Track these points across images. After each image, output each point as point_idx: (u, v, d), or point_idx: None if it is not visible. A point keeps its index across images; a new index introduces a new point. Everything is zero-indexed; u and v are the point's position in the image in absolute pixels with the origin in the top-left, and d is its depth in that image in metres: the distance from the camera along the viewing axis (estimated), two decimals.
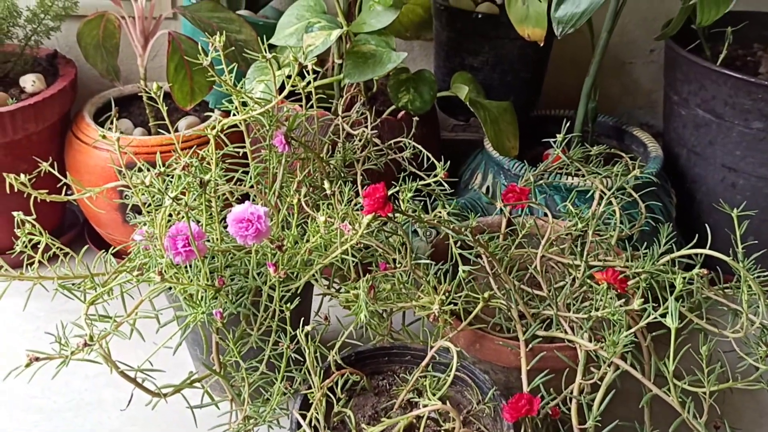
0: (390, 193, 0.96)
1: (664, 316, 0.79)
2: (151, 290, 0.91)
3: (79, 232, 1.38)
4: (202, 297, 0.87)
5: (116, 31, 1.21)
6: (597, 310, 0.86)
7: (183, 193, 0.93)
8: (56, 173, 0.95)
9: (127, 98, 1.35)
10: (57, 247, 0.90)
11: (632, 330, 0.81)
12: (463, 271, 0.82)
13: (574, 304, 0.93)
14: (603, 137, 1.38)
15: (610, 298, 0.88)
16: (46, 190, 0.94)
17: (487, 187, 1.25)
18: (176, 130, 1.28)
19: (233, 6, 1.29)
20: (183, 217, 0.87)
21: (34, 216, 0.91)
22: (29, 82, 1.21)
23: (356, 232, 0.83)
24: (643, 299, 0.81)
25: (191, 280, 0.87)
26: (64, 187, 0.96)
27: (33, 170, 0.95)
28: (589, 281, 0.96)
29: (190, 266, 0.88)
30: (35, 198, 0.91)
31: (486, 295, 0.83)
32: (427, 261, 0.89)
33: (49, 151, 1.23)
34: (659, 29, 1.47)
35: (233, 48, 1.13)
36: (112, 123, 1.25)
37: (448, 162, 1.05)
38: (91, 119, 1.24)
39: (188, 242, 0.83)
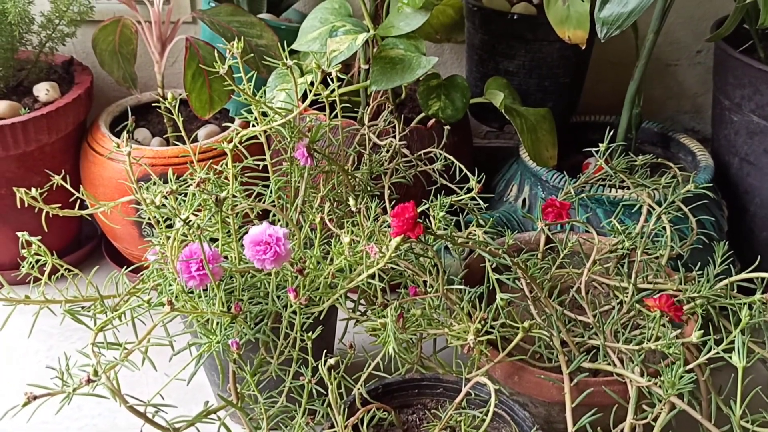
0: (420, 209, 0.89)
1: (727, 350, 0.71)
2: (164, 314, 0.85)
3: (96, 245, 1.33)
4: (217, 324, 0.80)
5: (133, 36, 1.15)
6: (649, 340, 0.78)
7: (199, 210, 0.87)
8: (69, 187, 0.90)
9: (144, 106, 1.29)
10: (65, 269, 0.85)
11: (692, 365, 0.73)
12: (502, 299, 0.75)
13: (622, 332, 0.85)
14: (647, 144, 1.30)
15: (663, 326, 0.80)
16: (59, 205, 0.90)
17: (524, 200, 1.17)
18: (195, 140, 1.22)
19: (254, 9, 1.23)
20: (197, 238, 0.81)
21: (46, 232, 0.86)
22: (43, 90, 1.17)
23: (383, 256, 0.76)
24: (701, 331, 0.73)
25: (206, 307, 0.81)
26: (78, 201, 0.92)
27: (46, 183, 0.90)
28: (638, 306, 0.88)
29: (206, 291, 0.81)
30: (47, 212, 0.87)
31: (526, 325, 0.76)
32: (461, 286, 0.81)
33: (64, 163, 1.18)
34: (706, 29, 1.38)
35: (253, 54, 1.06)
36: (129, 133, 1.20)
37: (483, 175, 0.98)
38: (107, 129, 1.19)
39: (203, 266, 0.76)
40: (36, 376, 1.09)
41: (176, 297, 0.79)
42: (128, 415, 1.07)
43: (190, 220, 0.78)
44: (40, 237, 0.84)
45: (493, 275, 0.78)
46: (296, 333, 0.80)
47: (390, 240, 0.75)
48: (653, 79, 1.44)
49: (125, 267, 0.91)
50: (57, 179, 0.91)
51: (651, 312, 0.79)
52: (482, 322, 0.78)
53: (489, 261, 0.79)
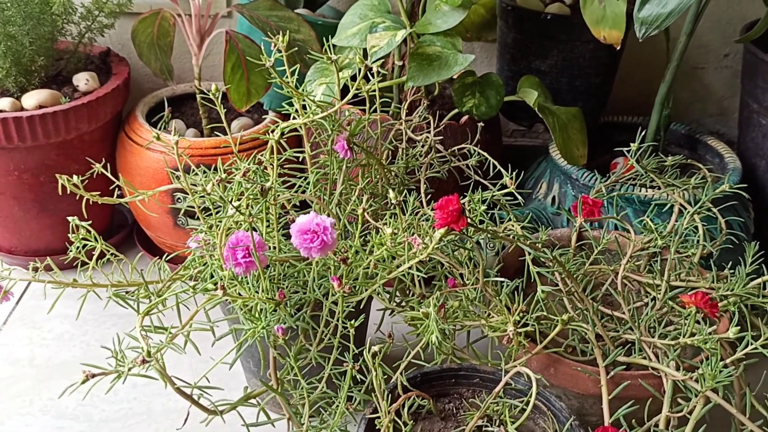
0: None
1: (765, 346, 0.72)
2: (207, 300, 0.87)
3: (128, 234, 1.35)
4: (261, 311, 0.82)
5: (171, 29, 1.17)
6: (684, 335, 0.80)
7: (239, 199, 0.89)
8: (109, 175, 0.92)
9: (179, 98, 1.31)
10: (111, 254, 0.87)
11: (729, 360, 0.74)
12: (543, 291, 0.77)
13: (656, 328, 0.87)
14: (674, 146, 1.31)
15: (697, 323, 0.81)
16: (98, 192, 0.92)
17: (553, 197, 1.18)
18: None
19: (291, 5, 1.25)
20: (242, 225, 0.83)
21: (87, 220, 0.88)
22: (83, 80, 1.19)
23: (426, 246, 0.78)
24: (738, 328, 0.75)
25: (251, 293, 0.82)
26: (116, 190, 0.94)
27: (84, 170, 0.92)
28: (671, 303, 0.89)
29: (250, 277, 0.83)
30: (87, 200, 0.88)
31: (565, 317, 0.77)
32: (499, 278, 0.83)
33: (101, 152, 1.20)
34: (733, 33, 1.39)
35: (295, 48, 1.08)
36: (165, 123, 1.22)
37: (517, 171, 0.99)
38: (143, 119, 1.21)
39: (249, 253, 0.78)
40: (72, 361, 1.12)
41: (225, 283, 0.81)
42: (163, 399, 1.10)
43: (242, 207, 0.80)
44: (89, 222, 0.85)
45: (534, 268, 0.80)
46: (338, 320, 0.82)
47: (433, 231, 0.77)
48: (680, 81, 1.45)
49: (164, 255, 0.93)
50: (98, 167, 0.93)
51: (685, 309, 0.81)
52: (521, 314, 0.80)
53: (528, 255, 0.80)
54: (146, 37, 1.17)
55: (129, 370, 0.71)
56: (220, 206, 0.89)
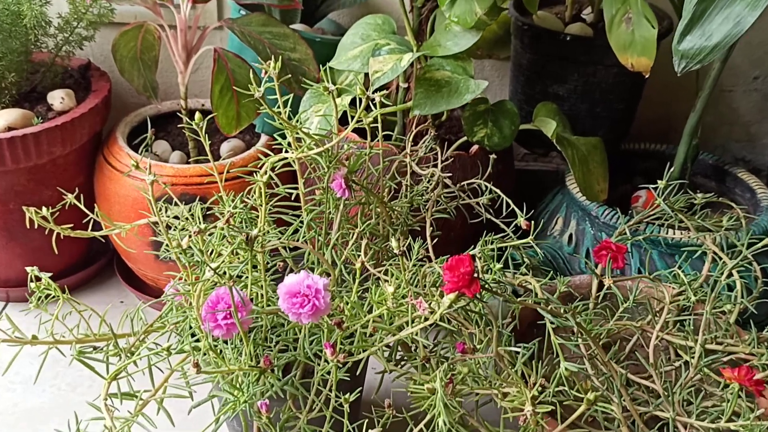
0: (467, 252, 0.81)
1: None
2: (182, 360, 0.77)
3: (108, 261, 1.25)
4: (244, 377, 0.73)
5: (156, 42, 1.07)
6: (725, 416, 0.70)
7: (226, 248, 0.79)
8: (82, 207, 0.83)
9: (165, 116, 1.21)
10: (74, 302, 0.77)
11: None
12: (567, 369, 0.67)
13: (690, 400, 0.77)
14: (700, 176, 1.21)
15: (739, 397, 0.71)
16: (71, 225, 0.83)
17: (570, 235, 1.08)
18: (217, 157, 1.14)
19: (287, 19, 1.14)
20: (224, 283, 0.73)
21: (57, 252, 0.82)
22: (58, 98, 1.09)
23: (434, 312, 0.68)
24: None
25: (231, 357, 0.73)
26: (91, 220, 0.85)
27: (57, 197, 0.83)
28: (706, 370, 0.79)
29: (231, 340, 0.74)
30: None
31: (591, 396, 0.67)
32: (515, 348, 0.73)
33: (77, 176, 1.10)
34: (765, 54, 1.29)
35: (289, 74, 0.98)
36: (148, 147, 1.12)
37: (532, 212, 0.90)
38: (124, 141, 1.11)
39: (230, 314, 0.68)
40: (41, 407, 1.02)
41: (204, 343, 0.71)
42: None
43: (222, 265, 0.71)
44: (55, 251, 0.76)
45: (555, 339, 0.70)
46: (331, 392, 0.72)
47: (442, 295, 0.68)
48: (706, 104, 1.35)
49: (141, 303, 0.83)
50: (70, 198, 0.84)
51: (726, 382, 0.71)
52: (540, 389, 0.70)
53: (550, 324, 0.70)
54: (128, 51, 1.07)
55: None
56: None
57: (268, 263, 0.84)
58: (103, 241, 1.26)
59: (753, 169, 1.37)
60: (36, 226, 0.79)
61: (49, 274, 0.76)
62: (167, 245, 0.73)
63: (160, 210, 0.88)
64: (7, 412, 1.01)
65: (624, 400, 0.74)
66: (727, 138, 1.40)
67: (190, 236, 0.68)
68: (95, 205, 1.00)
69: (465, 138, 1.04)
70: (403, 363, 0.83)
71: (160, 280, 1.12)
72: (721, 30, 0.74)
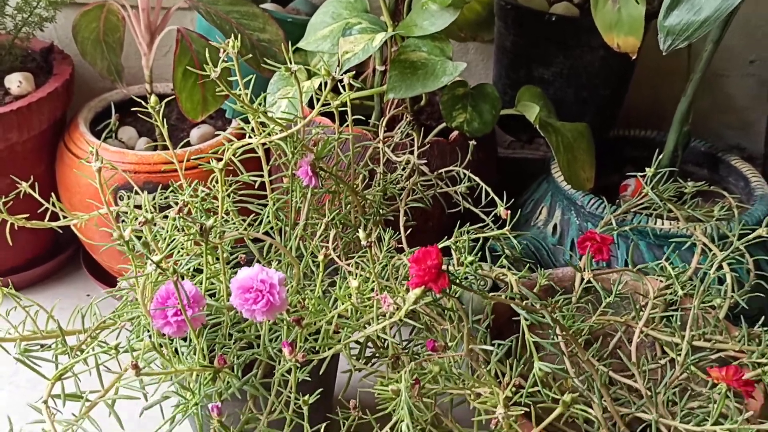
0: (442, 245, 0.76)
1: None
2: (136, 359, 0.73)
3: (75, 252, 1.20)
4: (197, 378, 0.68)
5: (119, 23, 1.02)
6: (711, 418, 0.65)
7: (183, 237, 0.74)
8: (37, 196, 0.78)
9: (131, 101, 1.15)
10: (17, 299, 0.72)
11: None
12: (541, 370, 0.62)
13: (675, 400, 0.72)
14: (691, 165, 1.16)
15: (727, 397, 0.67)
16: (26, 215, 0.78)
17: (554, 225, 1.04)
18: (188, 144, 1.09)
19: None
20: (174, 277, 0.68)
21: (10, 243, 0.77)
22: (15, 82, 1.03)
23: (399, 308, 0.63)
24: None
25: (184, 357, 0.68)
26: (50, 210, 0.80)
27: (15, 186, 0.79)
28: (693, 368, 0.75)
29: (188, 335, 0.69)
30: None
31: (568, 399, 0.63)
32: (488, 347, 0.69)
33: (36, 164, 1.05)
34: (762, 36, 1.24)
35: (255, 51, 0.93)
36: (112, 133, 1.07)
37: (513, 201, 0.85)
38: (86, 128, 1.05)
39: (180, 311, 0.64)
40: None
41: (148, 349, 0.67)
42: None
43: (169, 256, 0.66)
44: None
45: (530, 336, 0.65)
46: (292, 393, 0.68)
47: (408, 290, 0.63)
48: (699, 89, 1.30)
49: (93, 299, 0.78)
50: (24, 186, 0.79)
51: (712, 380, 0.67)
52: (513, 390, 0.66)
53: (525, 319, 0.66)
54: (90, 32, 1.01)
55: None
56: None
57: (230, 255, 0.79)
58: (60, 232, 1.22)
59: (748, 158, 1.32)
60: None
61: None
62: (114, 236, 0.68)
63: (121, 199, 0.83)
64: None
65: (604, 401, 0.70)
66: (721, 125, 1.35)
67: (133, 228, 0.63)
68: (53, 197, 0.96)
69: (445, 124, 0.99)
70: (374, 361, 0.78)
71: (125, 272, 1.07)
72: (711, 3, 0.69)
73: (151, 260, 0.58)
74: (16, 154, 1.02)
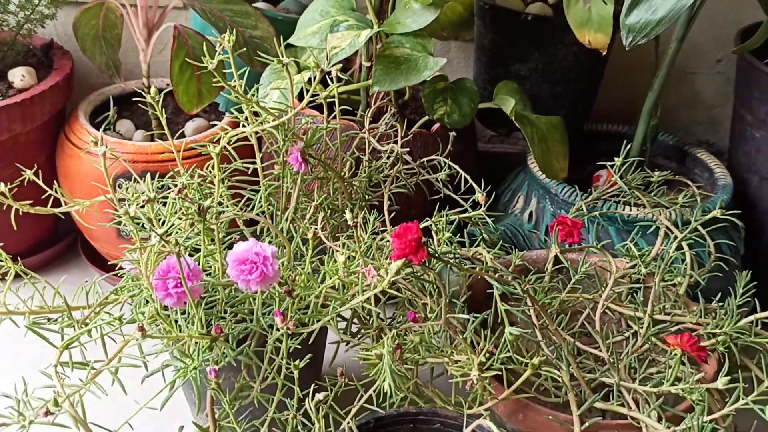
0: (423, 225, 0.82)
1: (759, 401, 0.64)
2: (132, 338, 0.78)
3: (73, 240, 1.25)
4: (196, 345, 0.73)
5: (118, 20, 1.07)
6: (667, 381, 0.71)
7: (180, 218, 0.80)
8: (41, 183, 0.83)
9: (129, 95, 1.21)
10: (29, 277, 0.77)
11: (717, 416, 0.66)
12: (511, 334, 0.68)
13: (636, 368, 0.79)
14: (661, 158, 1.22)
15: (682, 363, 0.73)
16: (30, 201, 0.83)
17: (530, 213, 1.10)
18: (182, 136, 1.14)
19: None
20: (176, 251, 0.73)
21: (15, 229, 0.80)
22: (18, 76, 1.08)
23: (382, 279, 0.69)
24: (728, 378, 0.66)
25: (184, 326, 0.73)
26: (52, 198, 0.85)
27: (18, 175, 0.83)
28: (654, 339, 0.81)
29: (187, 307, 0.74)
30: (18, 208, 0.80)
31: (536, 361, 0.69)
32: (464, 316, 0.74)
33: (38, 154, 1.10)
34: (728, 37, 1.30)
35: (247, 47, 0.99)
36: (110, 124, 1.12)
37: (489, 188, 0.91)
38: (86, 120, 1.10)
39: (180, 282, 0.69)
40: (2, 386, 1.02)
41: (151, 318, 0.72)
42: None
43: (170, 234, 0.71)
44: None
45: (501, 305, 0.71)
46: (282, 360, 0.73)
47: (391, 264, 0.68)
48: (669, 86, 1.36)
49: (96, 277, 0.83)
50: (28, 174, 0.84)
51: (669, 348, 0.73)
52: (487, 355, 0.72)
53: (496, 289, 0.72)
54: (90, 29, 1.07)
55: (30, 422, 0.61)
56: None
57: (226, 236, 0.84)
58: (62, 218, 1.27)
59: (716, 152, 1.38)
60: None
61: None
62: (118, 216, 0.73)
63: (120, 186, 0.89)
64: None
65: (571, 368, 0.76)
66: (690, 121, 1.42)
67: (140, 205, 0.68)
68: (55, 184, 1.01)
69: (427, 118, 1.05)
70: (359, 336, 0.84)
71: (126, 253, 1.12)
72: (666, 5, 0.75)
73: (155, 232, 0.63)
74: (19, 145, 1.07)
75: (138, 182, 0.88)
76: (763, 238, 1.15)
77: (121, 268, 0.85)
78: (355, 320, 0.85)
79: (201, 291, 0.71)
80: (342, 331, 0.81)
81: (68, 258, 1.24)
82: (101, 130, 1.07)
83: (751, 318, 0.78)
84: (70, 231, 1.26)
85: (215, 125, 1.13)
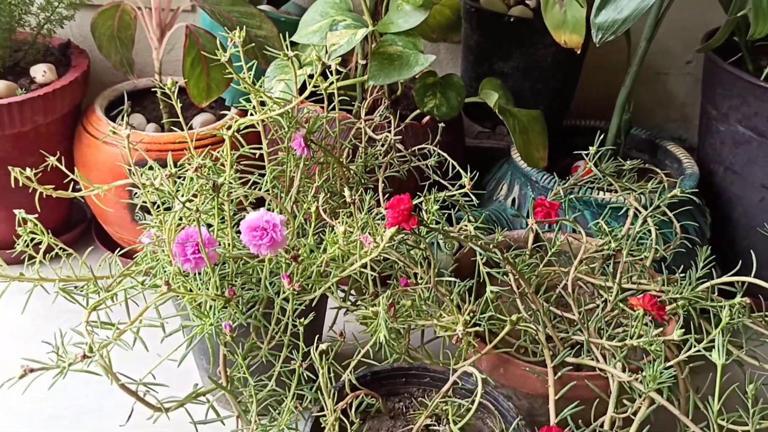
0: (414, 203, 0.91)
1: (706, 349, 0.73)
2: (157, 297, 0.86)
3: (86, 229, 1.33)
4: (210, 307, 0.82)
5: (132, 22, 1.16)
6: (631, 337, 0.80)
7: (195, 196, 0.88)
8: (63, 168, 0.91)
9: (140, 92, 1.30)
10: (60, 248, 0.86)
11: (672, 363, 0.75)
12: (491, 292, 0.77)
13: (605, 330, 0.88)
14: (635, 151, 1.32)
15: (646, 325, 0.82)
16: (52, 186, 0.90)
17: (513, 199, 1.19)
18: (190, 128, 1.23)
19: (254, 0, 1.24)
20: (193, 221, 0.82)
21: (38, 213, 0.87)
22: (40, 72, 1.17)
23: (377, 246, 0.78)
24: (683, 330, 0.75)
25: (200, 290, 0.82)
26: (71, 183, 0.92)
27: (40, 164, 0.91)
28: (622, 305, 0.90)
29: (200, 274, 0.83)
30: (41, 193, 0.87)
31: (514, 318, 0.78)
32: (451, 278, 0.83)
33: (58, 145, 1.19)
34: (696, 40, 1.40)
35: (253, 44, 1.08)
36: (123, 117, 1.20)
37: (475, 173, 1.00)
38: (102, 113, 1.19)
39: (198, 249, 0.78)
40: (20, 358, 1.09)
41: (172, 279, 0.80)
42: (115, 396, 1.07)
43: (191, 202, 0.80)
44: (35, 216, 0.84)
45: (483, 269, 0.80)
46: (288, 319, 0.82)
47: (385, 230, 0.77)
48: (643, 86, 1.47)
49: (118, 250, 0.92)
50: (52, 160, 0.91)
51: (634, 311, 0.82)
52: (471, 314, 0.80)
53: (479, 256, 0.80)
54: (106, 29, 1.15)
55: (69, 365, 0.70)
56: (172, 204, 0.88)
57: (233, 215, 0.93)
58: (81, 203, 1.35)
59: (688, 148, 1.48)
60: (21, 188, 0.86)
61: (35, 216, 0.84)
62: (139, 189, 0.82)
63: (137, 171, 0.97)
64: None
65: (547, 329, 0.84)
66: (664, 119, 1.52)
67: (162, 178, 0.77)
68: (76, 170, 1.09)
69: (418, 111, 1.14)
70: (357, 305, 0.92)
71: (135, 242, 1.20)
72: (630, 5, 0.85)
73: (178, 200, 0.72)
74: (40, 135, 1.15)
75: (152, 169, 0.97)
76: (728, 224, 1.25)
77: (139, 243, 0.93)
78: (353, 292, 0.94)
79: (215, 257, 0.80)
80: (341, 299, 0.89)
81: (82, 245, 1.31)
82: (121, 118, 1.16)
83: (707, 284, 0.87)
84: (82, 221, 1.34)
85: (226, 113, 1.21)
